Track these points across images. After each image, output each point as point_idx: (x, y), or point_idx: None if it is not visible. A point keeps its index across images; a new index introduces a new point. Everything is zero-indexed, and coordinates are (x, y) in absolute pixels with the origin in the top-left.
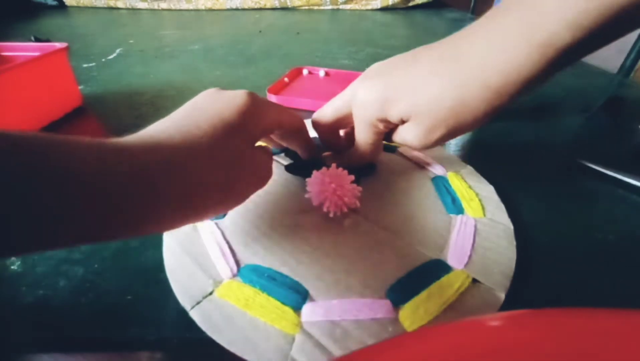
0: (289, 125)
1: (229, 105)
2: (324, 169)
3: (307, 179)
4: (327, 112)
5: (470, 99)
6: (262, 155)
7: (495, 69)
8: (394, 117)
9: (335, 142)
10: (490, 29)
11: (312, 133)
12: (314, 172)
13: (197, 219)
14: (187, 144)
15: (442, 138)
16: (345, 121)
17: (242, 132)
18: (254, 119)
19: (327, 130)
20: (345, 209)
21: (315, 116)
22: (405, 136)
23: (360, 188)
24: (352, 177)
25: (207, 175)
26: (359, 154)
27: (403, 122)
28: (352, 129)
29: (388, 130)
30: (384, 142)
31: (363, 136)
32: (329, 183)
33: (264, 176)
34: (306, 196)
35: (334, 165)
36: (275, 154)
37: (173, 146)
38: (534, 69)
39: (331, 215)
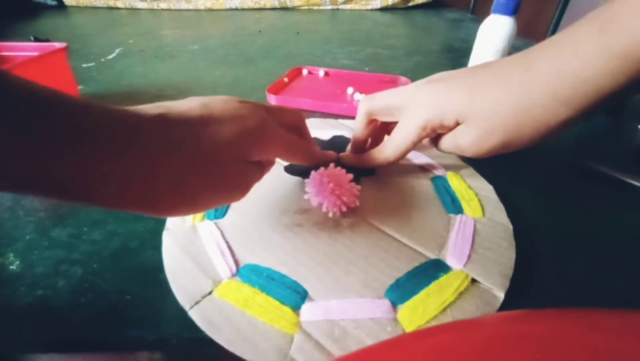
0: (294, 158)
1: (238, 120)
2: (322, 169)
3: (306, 180)
4: (378, 99)
5: (533, 107)
6: (246, 172)
7: (565, 78)
8: (449, 119)
9: (365, 133)
10: (563, 40)
11: (313, 133)
12: (312, 173)
13: (146, 205)
14: (164, 123)
15: (497, 147)
16: (389, 115)
17: (233, 150)
18: (254, 145)
19: (367, 116)
20: (344, 209)
21: (365, 99)
22: (458, 140)
23: (358, 187)
24: (351, 176)
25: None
26: (387, 152)
27: (457, 124)
28: (385, 125)
29: (433, 136)
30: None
31: (404, 136)
32: (327, 183)
33: (234, 189)
34: (305, 196)
35: (332, 165)
36: None
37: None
38: (612, 79)
39: (330, 215)
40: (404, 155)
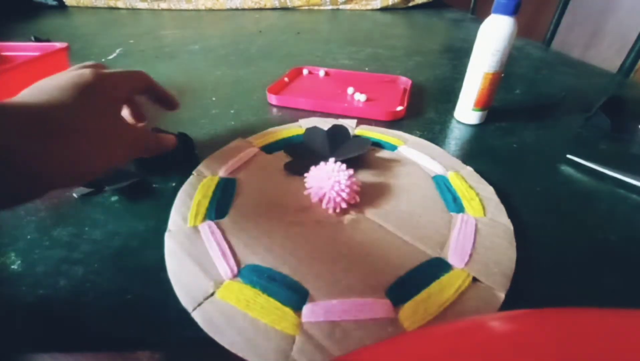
0: (140, 85)
1: (82, 74)
2: (321, 165)
3: (306, 176)
4: None
5: None
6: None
7: None
8: None
9: None
10: None
11: (325, 125)
12: (312, 169)
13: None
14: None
15: None
16: None
17: (100, 93)
18: (109, 84)
19: None
20: (345, 205)
21: None
22: None
23: (359, 183)
24: (351, 171)
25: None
26: None
27: None
28: None
29: None
30: (387, 140)
31: None
32: (327, 179)
33: (132, 141)
34: (305, 193)
35: (331, 160)
36: (275, 151)
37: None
38: None
39: (331, 212)
40: None
